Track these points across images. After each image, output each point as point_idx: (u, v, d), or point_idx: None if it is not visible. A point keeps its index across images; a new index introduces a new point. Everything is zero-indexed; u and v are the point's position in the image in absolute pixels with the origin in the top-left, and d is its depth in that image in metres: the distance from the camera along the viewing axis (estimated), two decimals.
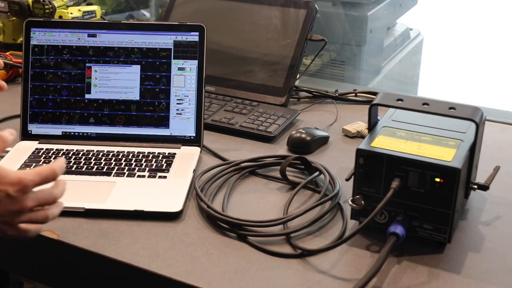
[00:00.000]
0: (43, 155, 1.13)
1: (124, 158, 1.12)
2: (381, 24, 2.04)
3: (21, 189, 0.74)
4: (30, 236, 0.81)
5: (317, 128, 1.26)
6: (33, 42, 1.20)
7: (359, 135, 1.27)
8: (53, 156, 1.13)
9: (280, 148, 1.22)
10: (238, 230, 0.94)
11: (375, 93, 1.43)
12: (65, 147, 1.16)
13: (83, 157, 1.13)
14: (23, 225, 0.79)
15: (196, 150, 1.16)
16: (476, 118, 0.89)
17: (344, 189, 1.04)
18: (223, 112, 1.32)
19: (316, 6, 1.40)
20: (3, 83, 0.88)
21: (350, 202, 0.92)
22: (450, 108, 0.90)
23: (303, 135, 1.20)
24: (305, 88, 1.48)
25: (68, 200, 0.99)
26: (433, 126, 0.97)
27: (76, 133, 1.19)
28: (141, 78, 1.19)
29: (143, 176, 1.07)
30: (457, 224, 0.95)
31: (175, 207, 0.98)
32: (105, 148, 1.16)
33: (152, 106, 1.19)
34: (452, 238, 0.90)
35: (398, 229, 0.87)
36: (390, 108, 1.01)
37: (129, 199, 1.00)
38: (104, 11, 1.82)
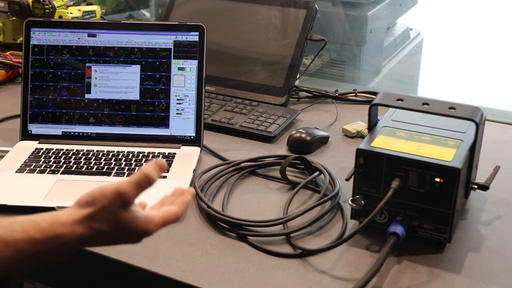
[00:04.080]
0: (43, 155, 1.13)
1: (124, 158, 1.12)
2: (381, 24, 2.04)
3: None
4: None
5: (317, 128, 1.26)
6: (33, 42, 1.20)
7: (359, 135, 1.27)
8: (53, 156, 1.13)
9: (280, 148, 1.22)
10: (238, 230, 0.94)
11: (375, 93, 1.43)
12: (65, 147, 1.16)
13: (83, 157, 1.13)
14: None
15: (196, 150, 1.16)
16: (476, 118, 0.89)
17: (344, 189, 1.04)
18: (223, 112, 1.32)
19: (316, 6, 1.40)
20: None
21: (350, 202, 0.92)
22: (450, 108, 0.90)
23: (303, 135, 1.20)
24: (305, 88, 1.48)
25: (68, 200, 1.00)
26: (433, 126, 0.97)
27: (76, 133, 1.19)
28: (141, 78, 1.19)
29: None
30: (457, 224, 0.95)
31: None
32: (105, 148, 1.16)
33: (152, 106, 1.19)
34: (452, 238, 0.90)
35: (398, 229, 0.87)
36: (390, 108, 1.01)
37: None
38: (104, 11, 1.82)
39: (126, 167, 1.09)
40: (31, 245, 0.64)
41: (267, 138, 1.24)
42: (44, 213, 0.66)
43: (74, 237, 0.66)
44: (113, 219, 0.67)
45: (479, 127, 0.90)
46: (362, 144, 0.92)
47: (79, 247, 0.67)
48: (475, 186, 0.95)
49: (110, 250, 0.90)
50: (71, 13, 1.64)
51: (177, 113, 1.18)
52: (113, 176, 1.07)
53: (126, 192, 0.67)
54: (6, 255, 0.63)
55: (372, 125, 0.98)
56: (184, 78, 1.18)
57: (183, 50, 1.18)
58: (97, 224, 0.66)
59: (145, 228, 0.69)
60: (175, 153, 1.15)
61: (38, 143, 1.18)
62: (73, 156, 1.13)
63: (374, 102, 0.95)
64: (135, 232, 0.69)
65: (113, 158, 1.13)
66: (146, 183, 0.69)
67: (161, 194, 1.02)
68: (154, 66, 1.19)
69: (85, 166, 1.10)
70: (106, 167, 1.10)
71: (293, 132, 1.22)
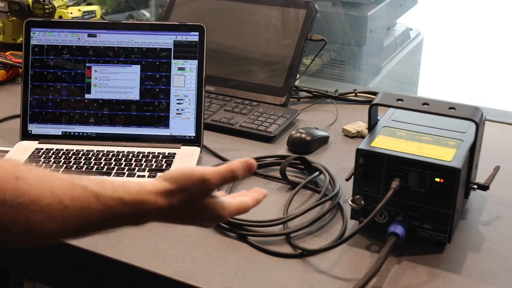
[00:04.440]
0: (43, 155, 1.13)
1: (124, 158, 1.12)
2: (381, 24, 2.04)
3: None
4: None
5: (317, 128, 1.26)
6: (33, 42, 1.20)
7: (359, 135, 1.27)
8: (53, 156, 1.13)
9: (280, 148, 1.22)
10: (238, 230, 0.94)
11: (375, 93, 1.42)
12: (65, 147, 1.16)
13: (83, 157, 1.13)
14: None
15: (196, 150, 1.16)
16: (476, 118, 0.89)
17: (344, 189, 1.04)
18: (223, 112, 1.32)
19: (316, 6, 1.40)
20: None
21: (350, 202, 0.92)
22: (450, 108, 0.90)
23: (303, 135, 1.20)
24: (305, 88, 1.48)
25: None
26: (433, 126, 0.97)
27: (76, 133, 1.19)
28: (141, 78, 1.19)
29: (143, 176, 1.07)
30: (457, 224, 0.95)
31: None
32: (105, 148, 1.16)
33: (152, 106, 1.19)
34: (452, 238, 0.90)
35: (398, 229, 0.87)
36: (390, 108, 1.01)
37: None
38: (104, 11, 1.82)
39: (126, 167, 1.09)
40: (118, 204, 0.67)
41: (267, 138, 1.24)
42: (131, 180, 0.69)
43: (155, 206, 0.69)
44: (191, 200, 0.71)
45: (479, 127, 0.90)
46: (362, 144, 0.92)
47: (156, 219, 0.71)
48: (475, 186, 0.95)
49: (110, 250, 0.90)
50: (71, 13, 1.64)
51: (177, 113, 1.18)
52: (113, 176, 1.07)
53: (210, 180, 0.71)
54: (97, 208, 0.65)
55: (372, 125, 0.98)
56: (184, 78, 1.19)
57: (183, 50, 1.18)
58: (176, 201, 0.70)
59: (219, 214, 0.74)
60: (175, 153, 1.15)
61: (38, 143, 1.18)
62: (73, 156, 1.13)
63: (374, 102, 0.95)
64: (210, 217, 0.74)
65: (113, 158, 1.13)
66: (230, 177, 0.73)
67: None
68: (154, 66, 1.19)
69: (85, 166, 1.10)
70: (106, 167, 1.10)
71: (293, 132, 1.22)
